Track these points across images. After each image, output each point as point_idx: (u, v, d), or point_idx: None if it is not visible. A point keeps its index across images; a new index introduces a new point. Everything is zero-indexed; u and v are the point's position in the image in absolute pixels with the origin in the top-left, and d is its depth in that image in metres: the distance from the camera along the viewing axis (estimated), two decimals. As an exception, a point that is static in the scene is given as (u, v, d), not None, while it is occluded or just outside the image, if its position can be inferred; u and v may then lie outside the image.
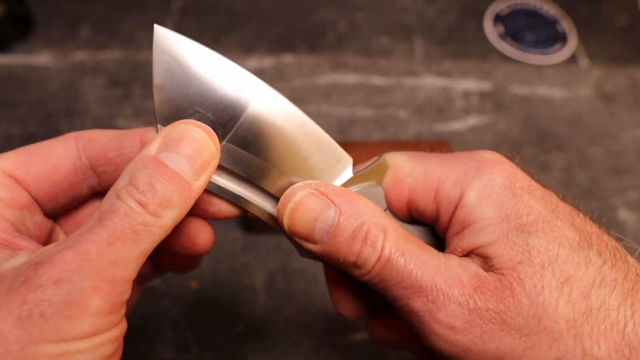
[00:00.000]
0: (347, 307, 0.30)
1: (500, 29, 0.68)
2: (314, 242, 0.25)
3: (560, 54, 0.66)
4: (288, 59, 0.64)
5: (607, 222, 0.55)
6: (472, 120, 0.60)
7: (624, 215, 0.54)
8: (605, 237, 0.25)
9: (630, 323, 0.22)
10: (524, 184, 0.26)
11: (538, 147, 0.58)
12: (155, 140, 0.24)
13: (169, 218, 0.23)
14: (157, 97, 0.25)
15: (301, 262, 0.50)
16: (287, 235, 0.26)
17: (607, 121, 0.61)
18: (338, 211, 0.25)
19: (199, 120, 0.25)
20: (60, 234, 0.29)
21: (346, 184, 0.28)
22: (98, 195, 0.29)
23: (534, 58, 0.65)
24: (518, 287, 0.23)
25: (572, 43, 0.67)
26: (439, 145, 0.54)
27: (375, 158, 0.29)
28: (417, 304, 0.24)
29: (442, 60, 0.65)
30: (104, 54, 0.64)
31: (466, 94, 0.62)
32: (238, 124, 0.26)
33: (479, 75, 0.64)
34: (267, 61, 0.64)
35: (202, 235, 0.29)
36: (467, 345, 0.23)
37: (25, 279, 0.21)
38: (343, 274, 0.27)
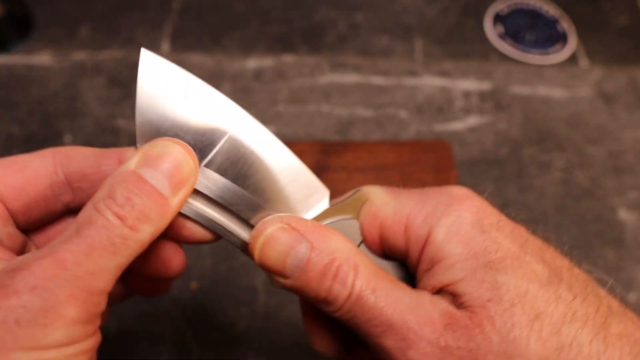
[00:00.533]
0: (323, 343, 0.29)
1: (500, 29, 0.68)
2: (285, 277, 0.25)
3: (560, 54, 0.66)
4: (288, 59, 0.64)
5: (607, 222, 0.55)
6: (472, 120, 0.60)
7: (624, 215, 0.54)
8: (576, 270, 0.25)
9: (603, 358, 0.22)
10: (492, 220, 0.26)
11: (538, 147, 0.58)
12: (135, 156, 0.24)
13: (146, 233, 0.23)
14: (138, 118, 0.25)
15: (301, 262, 0.50)
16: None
17: (607, 121, 0.61)
18: (310, 246, 0.25)
19: None
20: (32, 248, 0.29)
21: (322, 216, 0.28)
22: (71, 212, 0.29)
23: (534, 58, 0.65)
24: (488, 324, 0.23)
25: (572, 43, 0.67)
26: (439, 145, 0.54)
27: (353, 190, 0.28)
28: (388, 342, 0.24)
29: (442, 60, 0.65)
30: (104, 54, 0.64)
31: (466, 94, 0.62)
32: (216, 149, 0.26)
33: (479, 75, 0.64)
34: (267, 61, 0.64)
35: (174, 258, 0.29)
36: None
37: (1, 286, 0.21)
38: (319, 310, 0.27)
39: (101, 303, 0.23)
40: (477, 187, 0.58)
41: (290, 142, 0.55)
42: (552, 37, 0.67)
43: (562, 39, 0.68)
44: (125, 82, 0.62)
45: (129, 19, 0.67)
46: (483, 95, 0.62)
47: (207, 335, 0.47)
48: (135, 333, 0.47)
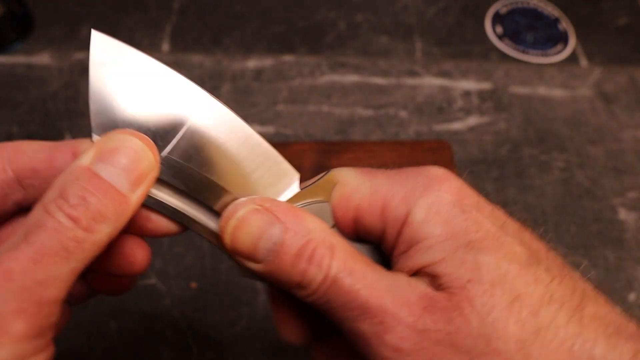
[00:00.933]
0: (292, 332, 0.29)
1: (500, 29, 0.68)
2: (258, 262, 0.24)
3: (560, 54, 0.66)
4: (288, 59, 0.64)
5: (607, 222, 0.55)
6: (472, 120, 0.60)
7: (624, 215, 0.54)
8: (552, 253, 0.25)
9: (578, 340, 0.22)
10: (472, 201, 0.25)
11: (538, 147, 0.58)
12: (89, 151, 0.22)
13: (103, 233, 0.22)
14: (92, 106, 0.24)
15: (301, 262, 0.50)
16: (229, 255, 0.25)
17: (607, 121, 0.61)
18: (283, 229, 0.24)
19: (137, 130, 0.24)
20: None
21: (292, 200, 0.27)
22: (24, 211, 0.27)
23: (534, 58, 0.65)
24: (468, 306, 0.22)
25: (572, 43, 0.67)
26: (439, 145, 0.54)
27: (322, 173, 0.28)
28: (364, 326, 0.23)
29: (442, 60, 0.65)
30: (104, 54, 0.64)
31: (466, 94, 0.62)
32: (179, 135, 0.25)
33: (479, 75, 0.64)
34: (267, 61, 0.64)
35: (138, 253, 0.27)
36: None
37: None
38: (288, 297, 0.26)
39: (53, 313, 0.21)
40: (477, 187, 0.58)
41: (290, 142, 0.56)
42: (552, 37, 0.67)
43: (562, 39, 0.68)
44: (125, 82, 0.62)
45: (129, 19, 0.67)
46: (483, 95, 0.62)
47: (207, 335, 0.47)
48: (135, 333, 0.47)
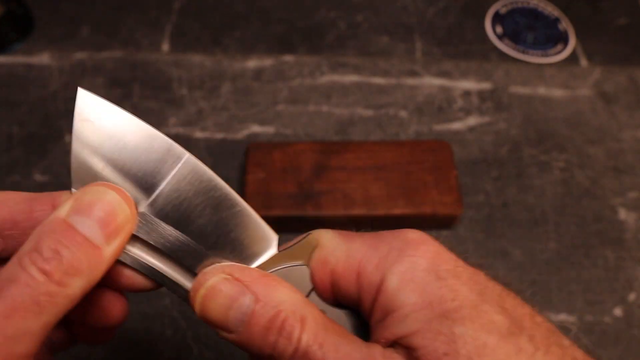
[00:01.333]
0: None
1: (500, 29, 0.68)
2: (229, 331, 0.24)
3: (560, 54, 0.66)
4: (288, 59, 0.64)
5: (607, 222, 0.55)
6: (472, 120, 0.60)
7: (624, 215, 0.54)
8: (538, 318, 0.24)
9: None
10: (449, 266, 0.24)
11: (538, 147, 0.58)
12: (66, 203, 0.22)
13: (75, 287, 0.21)
14: (74, 160, 0.24)
15: (301, 262, 0.50)
16: None
17: (607, 121, 0.61)
18: (254, 299, 0.23)
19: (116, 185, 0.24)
20: None
21: (270, 262, 0.26)
22: (2, 261, 0.26)
23: (534, 58, 0.65)
24: None
25: (572, 43, 0.67)
26: (439, 145, 0.54)
27: (303, 235, 0.27)
28: None
29: (442, 60, 0.65)
30: (104, 54, 0.64)
31: (466, 94, 0.62)
32: (157, 192, 0.25)
33: (479, 75, 0.64)
34: (267, 61, 0.64)
35: (115, 307, 0.27)
36: None
37: None
38: None
39: None
40: (477, 187, 0.59)
41: (290, 142, 0.55)
42: (552, 37, 0.67)
43: (562, 39, 0.68)
44: (125, 82, 0.62)
45: (129, 19, 0.67)
46: (483, 95, 0.62)
47: (207, 335, 0.47)
48: (135, 333, 0.47)
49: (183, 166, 0.25)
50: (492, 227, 0.52)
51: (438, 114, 0.60)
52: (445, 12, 0.69)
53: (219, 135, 0.57)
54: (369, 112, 0.60)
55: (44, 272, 0.21)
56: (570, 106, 0.62)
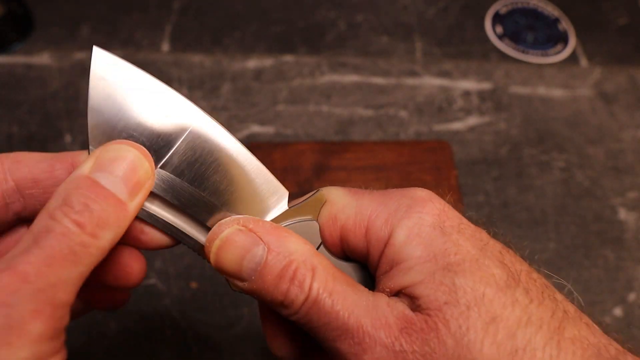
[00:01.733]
0: (281, 347, 0.29)
1: (500, 29, 0.68)
2: (242, 280, 0.25)
3: (560, 54, 0.66)
4: (288, 59, 0.64)
5: (607, 222, 0.55)
6: (472, 120, 0.60)
7: (624, 215, 0.54)
8: (535, 275, 0.25)
9: None
10: (453, 222, 0.25)
11: (538, 147, 0.58)
12: (88, 160, 0.23)
13: (105, 239, 0.22)
14: (90, 120, 0.24)
15: (301, 262, 0.50)
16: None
17: (607, 121, 0.61)
18: (266, 249, 0.24)
19: None
20: None
21: (281, 217, 0.27)
22: (23, 221, 0.27)
23: (534, 58, 0.65)
24: (443, 328, 0.23)
25: (572, 43, 0.67)
26: (439, 145, 0.54)
27: (312, 192, 0.28)
28: (344, 346, 0.24)
29: (442, 60, 0.65)
30: (104, 54, 0.64)
31: (466, 94, 0.62)
32: (172, 150, 0.25)
33: (479, 75, 0.64)
34: (267, 61, 0.64)
35: (134, 265, 0.27)
36: None
37: None
38: (277, 313, 0.27)
39: (65, 317, 0.22)
40: (477, 187, 0.59)
41: (290, 142, 0.55)
42: (552, 37, 0.67)
43: (562, 39, 0.68)
44: (125, 82, 0.62)
45: (129, 19, 0.67)
46: (483, 95, 0.62)
47: (207, 335, 0.47)
48: (135, 333, 0.47)
49: (198, 124, 0.26)
50: (492, 227, 0.52)
51: (438, 114, 0.60)
52: (445, 12, 0.69)
53: (219, 135, 0.58)
54: (369, 112, 0.60)
55: (77, 224, 0.21)
56: (570, 106, 0.62)
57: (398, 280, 0.24)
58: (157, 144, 0.25)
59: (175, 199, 0.26)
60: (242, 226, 0.25)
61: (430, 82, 0.63)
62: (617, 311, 0.48)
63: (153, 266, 0.50)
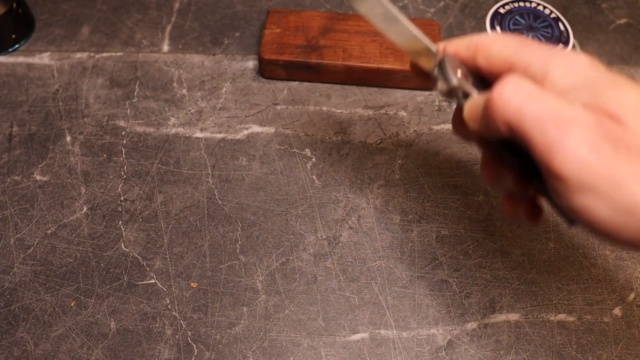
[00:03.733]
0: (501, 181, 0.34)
1: (500, 29, 0.68)
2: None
3: (560, 54, 0.66)
4: (288, 59, 0.64)
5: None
6: (472, 120, 0.60)
7: (624, 215, 0.54)
8: None
9: None
10: (603, 66, 0.30)
11: (538, 147, 0.58)
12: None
13: None
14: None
15: (301, 262, 0.50)
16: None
17: (607, 121, 0.61)
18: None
19: None
20: None
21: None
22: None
23: (534, 58, 0.65)
24: (629, 119, 0.26)
25: (572, 43, 0.67)
26: (429, 23, 0.63)
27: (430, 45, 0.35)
28: (548, 137, 0.26)
29: (442, 60, 0.65)
30: (104, 54, 0.64)
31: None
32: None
33: (478, 75, 0.64)
34: (267, 61, 0.64)
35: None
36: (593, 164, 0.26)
37: None
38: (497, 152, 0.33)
39: None
40: (477, 187, 0.58)
41: (304, 10, 0.60)
42: (551, 37, 0.67)
43: (562, 39, 0.68)
44: (125, 82, 0.62)
45: (129, 19, 0.67)
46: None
47: (207, 335, 0.47)
48: (135, 333, 0.47)
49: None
50: (492, 227, 0.53)
51: (438, 114, 0.60)
52: (445, 12, 0.69)
53: (219, 135, 0.58)
54: (369, 112, 0.60)
55: None
56: (570, 106, 0.62)
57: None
58: None
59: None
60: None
61: (430, 82, 0.63)
62: (617, 311, 0.48)
63: (153, 266, 0.50)
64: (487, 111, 0.29)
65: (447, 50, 0.34)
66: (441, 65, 0.33)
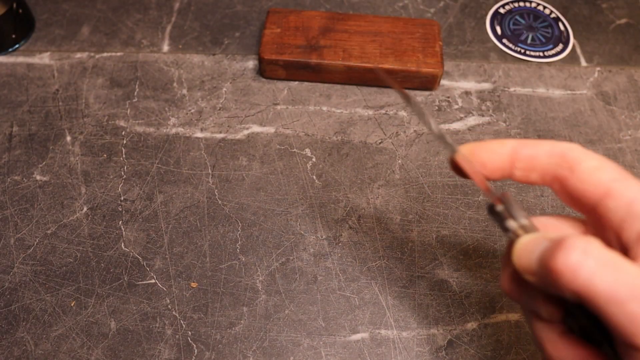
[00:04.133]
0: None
1: (500, 29, 0.68)
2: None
3: (560, 54, 0.66)
4: (288, 59, 0.64)
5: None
6: (472, 120, 0.60)
7: (624, 215, 0.54)
8: None
9: None
10: None
11: (538, 147, 0.58)
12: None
13: None
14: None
15: (301, 262, 0.50)
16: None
17: (606, 121, 0.61)
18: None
19: None
20: None
21: None
22: None
23: (534, 58, 0.65)
24: None
25: (572, 43, 0.67)
26: (428, 22, 0.63)
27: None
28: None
29: (442, 60, 0.65)
30: (104, 54, 0.64)
31: (466, 94, 0.62)
32: None
33: (478, 75, 0.64)
34: (267, 61, 0.64)
35: None
36: None
37: None
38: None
39: None
40: (477, 187, 0.58)
41: (304, 10, 0.62)
42: (552, 37, 0.67)
43: (561, 39, 0.68)
44: (125, 82, 0.62)
45: (129, 19, 0.67)
46: (483, 96, 0.62)
47: (207, 335, 0.47)
48: (136, 333, 0.47)
49: None
50: (492, 227, 0.53)
51: (438, 114, 0.60)
52: (445, 12, 0.69)
53: (219, 135, 0.58)
54: (369, 112, 0.60)
55: None
56: (569, 106, 0.62)
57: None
58: None
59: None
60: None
61: (430, 82, 0.63)
62: (617, 311, 0.48)
63: (153, 266, 0.50)
64: (548, 274, 0.25)
65: (520, 162, 0.30)
66: (506, 204, 0.29)
